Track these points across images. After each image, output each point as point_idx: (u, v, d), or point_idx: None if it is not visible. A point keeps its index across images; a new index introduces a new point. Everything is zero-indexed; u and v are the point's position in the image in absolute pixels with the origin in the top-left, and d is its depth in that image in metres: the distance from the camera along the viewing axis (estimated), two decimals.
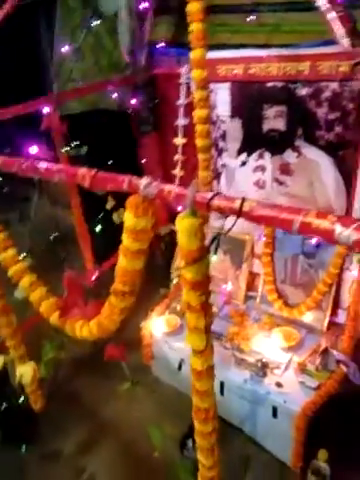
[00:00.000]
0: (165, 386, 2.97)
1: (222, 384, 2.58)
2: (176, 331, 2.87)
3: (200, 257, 1.03)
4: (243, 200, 0.92)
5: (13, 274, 1.77)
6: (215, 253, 1.03)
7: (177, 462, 1.89)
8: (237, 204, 0.92)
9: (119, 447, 2.67)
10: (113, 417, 2.83)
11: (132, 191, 1.11)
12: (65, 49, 3.42)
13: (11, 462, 2.60)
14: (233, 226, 0.95)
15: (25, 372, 2.18)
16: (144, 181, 1.07)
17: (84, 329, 1.55)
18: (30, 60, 3.96)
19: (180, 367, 2.76)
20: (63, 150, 2.78)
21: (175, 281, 3.16)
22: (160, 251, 3.63)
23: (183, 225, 1.02)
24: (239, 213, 0.92)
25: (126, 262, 1.21)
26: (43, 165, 1.32)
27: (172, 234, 3.37)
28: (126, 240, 1.17)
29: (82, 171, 1.21)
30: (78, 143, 3.05)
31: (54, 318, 1.67)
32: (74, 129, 3.11)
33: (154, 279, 3.60)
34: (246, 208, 0.91)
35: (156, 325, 2.94)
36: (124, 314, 1.37)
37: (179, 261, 3.18)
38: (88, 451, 2.65)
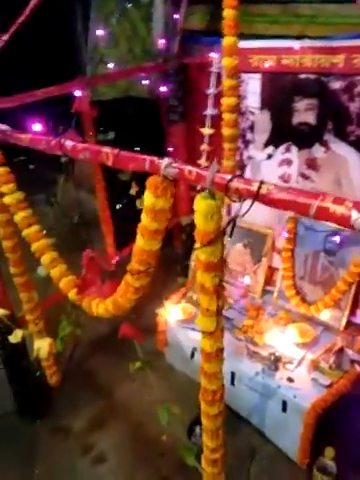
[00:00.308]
0: (177, 373, 3.01)
1: (233, 375, 2.59)
2: (191, 319, 2.90)
3: (215, 239, 1.05)
4: (261, 183, 0.93)
5: (36, 250, 1.82)
6: (230, 236, 1.03)
7: (182, 445, 1.92)
8: (255, 187, 0.93)
9: (128, 428, 2.73)
10: (125, 399, 2.90)
11: (153, 171, 1.13)
12: (99, 34, 3.46)
13: (24, 433, 2.70)
14: (250, 208, 0.96)
15: (42, 346, 2.25)
16: (165, 161, 1.08)
17: (100, 306, 1.59)
18: (65, 43, 4.03)
19: (193, 355, 2.79)
20: (91, 134, 2.82)
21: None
22: (181, 241, 3.66)
23: (201, 206, 1.03)
24: (256, 196, 0.93)
25: (143, 242, 1.23)
26: (70, 143, 1.35)
27: (193, 224, 3.38)
28: (144, 219, 1.19)
29: (106, 150, 1.24)
30: (105, 128, 3.08)
31: (72, 295, 1.72)
32: (104, 115, 3.15)
33: (173, 268, 3.64)
34: (263, 191, 0.92)
35: (171, 313, 2.97)
36: (139, 293, 1.40)
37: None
38: (98, 429, 2.72)
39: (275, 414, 2.45)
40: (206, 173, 1.00)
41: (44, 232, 1.82)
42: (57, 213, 3.37)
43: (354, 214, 0.81)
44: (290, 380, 2.45)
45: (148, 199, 1.15)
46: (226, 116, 2.26)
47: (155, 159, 1.12)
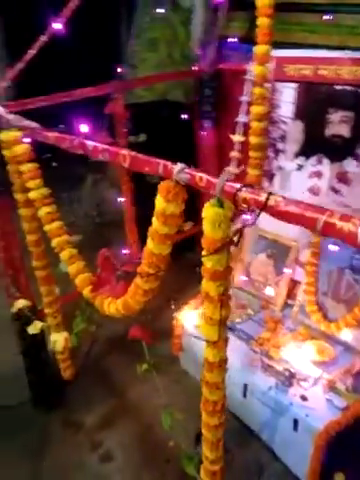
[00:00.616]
0: (191, 379, 2.99)
1: (246, 387, 2.55)
2: None
3: (222, 247, 1.03)
4: (269, 194, 0.91)
5: (56, 245, 1.87)
6: (236, 246, 1.02)
7: (183, 453, 1.90)
8: (263, 197, 0.91)
9: (137, 430, 2.74)
10: (137, 399, 2.90)
11: (166, 176, 1.13)
12: (140, 38, 3.53)
13: (36, 424, 2.76)
14: (256, 219, 0.94)
15: (58, 340, 2.30)
16: (178, 166, 1.08)
17: (111, 306, 1.61)
18: (109, 46, 4.13)
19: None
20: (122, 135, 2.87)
21: None
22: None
23: (209, 213, 1.03)
24: (264, 207, 0.91)
25: (153, 245, 1.24)
26: (91, 143, 1.38)
27: None
28: (155, 223, 1.20)
29: (123, 152, 1.26)
30: (138, 131, 3.13)
31: (86, 292, 1.75)
32: (139, 117, 3.20)
33: (195, 274, 3.63)
34: (271, 202, 0.90)
35: (188, 318, 2.96)
36: (148, 296, 1.41)
37: None
38: (108, 427, 2.74)
39: (286, 432, 2.38)
40: (216, 181, 0.99)
41: (65, 229, 1.86)
42: (82, 211, 3.43)
43: None
44: (304, 398, 2.37)
45: (159, 203, 1.15)
46: (254, 124, 2.24)
47: (168, 164, 1.12)
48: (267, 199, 0.90)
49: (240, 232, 1.00)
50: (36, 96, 2.40)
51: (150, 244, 1.25)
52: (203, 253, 1.10)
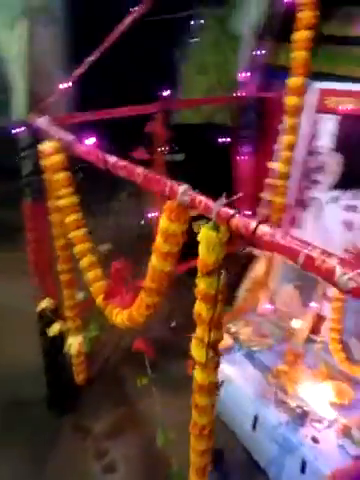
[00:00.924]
0: None
1: (256, 418, 2.48)
2: (224, 350, 2.83)
3: (213, 271, 1.05)
4: (259, 223, 0.91)
5: (78, 252, 1.96)
6: (228, 273, 1.02)
7: (172, 472, 1.88)
8: (252, 226, 0.92)
9: (143, 443, 2.73)
10: (145, 411, 2.90)
11: (171, 196, 1.17)
12: (192, 61, 3.65)
13: (48, 425, 2.82)
14: (244, 248, 0.95)
15: (73, 343, 2.38)
16: (182, 188, 1.12)
17: (118, 316, 1.65)
18: (159, 66, 4.29)
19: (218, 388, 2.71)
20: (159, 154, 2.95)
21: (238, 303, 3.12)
22: (235, 271, 3.61)
23: (204, 236, 1.05)
24: (252, 235, 0.92)
25: (156, 261, 1.27)
26: (112, 159, 1.45)
27: (250, 256, 3.32)
28: (158, 241, 1.23)
29: (138, 170, 1.31)
30: (179, 150, 3.20)
31: (99, 299, 1.81)
32: (182, 138, 3.27)
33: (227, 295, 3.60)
34: (259, 232, 0.91)
35: None
36: (150, 310, 1.44)
37: (246, 285, 3.14)
38: (114, 437, 2.77)
39: (293, 472, 2.28)
40: (212, 204, 1.02)
41: (89, 236, 1.94)
42: (118, 222, 3.54)
43: (338, 270, 0.77)
44: (315, 440, 2.27)
45: (163, 222, 1.19)
46: (283, 153, 2.23)
47: (174, 185, 1.16)
48: (255, 228, 0.90)
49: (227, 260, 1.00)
50: (84, 109, 2.53)
51: (153, 260, 1.28)
52: (198, 274, 1.11)
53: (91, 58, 2.17)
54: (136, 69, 4.70)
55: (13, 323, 3.43)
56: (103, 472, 2.58)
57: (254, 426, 2.49)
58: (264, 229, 0.90)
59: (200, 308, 1.14)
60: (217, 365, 1.22)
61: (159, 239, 1.22)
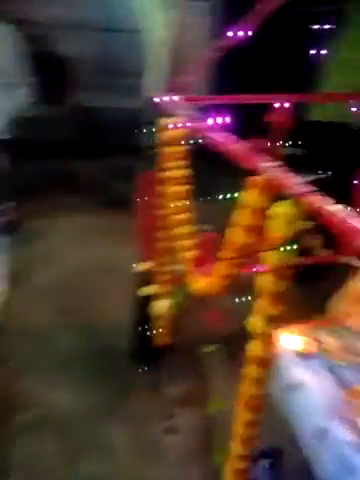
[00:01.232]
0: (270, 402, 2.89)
1: (323, 431, 2.35)
2: (305, 356, 2.74)
3: (284, 245, 1.08)
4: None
5: (178, 221, 2.11)
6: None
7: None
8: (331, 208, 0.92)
9: (207, 415, 2.80)
10: (217, 387, 2.94)
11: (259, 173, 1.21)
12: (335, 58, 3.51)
13: (126, 376, 3.01)
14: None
15: (161, 306, 2.56)
16: (268, 164, 1.16)
17: (199, 282, 1.76)
18: (301, 59, 4.20)
19: (291, 390, 2.65)
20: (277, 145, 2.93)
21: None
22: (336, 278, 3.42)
23: (279, 211, 1.09)
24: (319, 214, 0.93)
25: (233, 233, 1.34)
26: (219, 138, 1.52)
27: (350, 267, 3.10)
28: (238, 213, 1.30)
29: (235, 146, 1.38)
30: (298, 144, 3.13)
31: (188, 266, 1.94)
32: (310, 133, 3.19)
33: (318, 303, 3.43)
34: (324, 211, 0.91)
35: (290, 340, 2.87)
36: (226, 281, 1.51)
37: (340, 296, 2.96)
38: (183, 404, 2.87)
39: None
40: (290, 180, 1.05)
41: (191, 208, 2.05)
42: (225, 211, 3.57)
43: None
44: None
45: (246, 196, 1.25)
46: None
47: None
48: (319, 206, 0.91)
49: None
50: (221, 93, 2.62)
51: (231, 232, 1.36)
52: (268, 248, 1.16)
53: (228, 43, 2.23)
54: (278, 61, 4.66)
55: (109, 280, 3.71)
56: (165, 432, 2.74)
57: (319, 438, 2.39)
58: (331, 208, 0.90)
59: (266, 280, 1.18)
60: (271, 339, 1.25)
61: (240, 212, 1.29)
